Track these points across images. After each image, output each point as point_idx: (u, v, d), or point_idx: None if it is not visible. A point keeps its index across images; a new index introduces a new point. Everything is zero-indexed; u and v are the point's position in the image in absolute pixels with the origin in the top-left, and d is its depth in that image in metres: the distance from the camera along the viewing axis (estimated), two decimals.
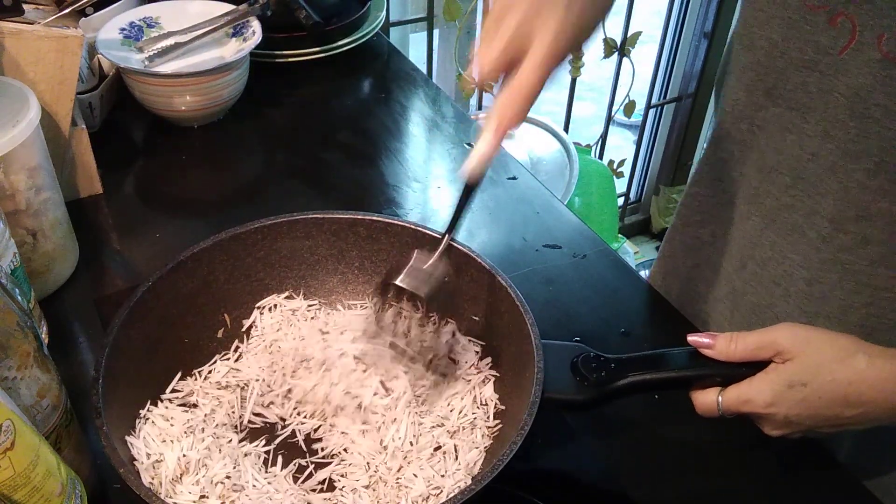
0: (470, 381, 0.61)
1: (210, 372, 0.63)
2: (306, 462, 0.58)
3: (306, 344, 0.63)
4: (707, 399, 0.54)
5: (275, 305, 0.67)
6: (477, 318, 0.64)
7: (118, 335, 0.55)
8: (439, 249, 0.57)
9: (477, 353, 0.64)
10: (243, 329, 0.66)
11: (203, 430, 0.57)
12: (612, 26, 1.90)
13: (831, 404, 0.51)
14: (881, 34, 0.53)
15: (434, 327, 0.59)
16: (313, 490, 0.56)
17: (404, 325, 0.58)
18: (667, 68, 2.06)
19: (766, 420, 0.54)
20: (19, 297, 0.48)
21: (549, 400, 0.53)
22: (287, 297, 0.68)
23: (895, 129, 0.55)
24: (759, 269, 0.70)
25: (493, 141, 0.51)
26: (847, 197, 0.60)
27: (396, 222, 0.66)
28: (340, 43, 1.10)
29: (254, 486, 0.54)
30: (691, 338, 0.55)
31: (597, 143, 2.12)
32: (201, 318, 0.64)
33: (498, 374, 0.62)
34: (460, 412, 0.59)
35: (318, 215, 0.66)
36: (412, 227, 0.65)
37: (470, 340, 0.64)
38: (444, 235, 0.57)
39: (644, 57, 2.01)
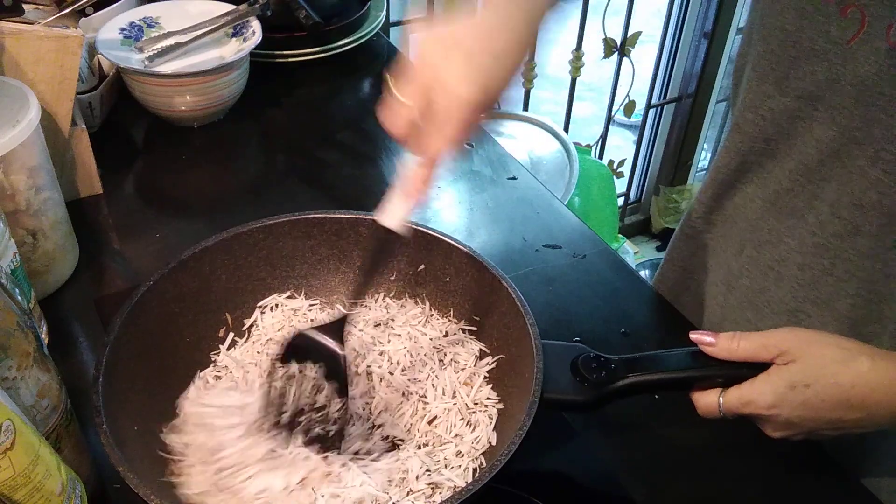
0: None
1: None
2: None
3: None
4: (708, 400, 0.54)
5: (276, 305, 0.67)
6: (478, 318, 0.64)
7: (120, 333, 0.55)
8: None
9: (476, 355, 0.64)
10: (244, 328, 0.66)
11: None
12: (612, 26, 1.90)
13: (833, 407, 0.51)
14: (890, 24, 0.54)
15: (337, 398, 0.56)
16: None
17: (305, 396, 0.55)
18: (667, 68, 2.06)
19: (768, 421, 0.53)
20: (19, 297, 0.48)
21: (549, 400, 0.53)
22: (288, 297, 0.68)
23: None
24: (756, 252, 0.70)
25: (422, 188, 0.52)
26: (849, 183, 0.61)
27: None
28: (340, 43, 1.10)
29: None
30: (693, 335, 0.55)
31: (597, 143, 2.12)
32: (203, 316, 0.64)
33: (497, 377, 0.62)
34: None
35: (320, 215, 0.66)
36: (413, 227, 0.65)
37: (471, 341, 0.64)
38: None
39: (644, 57, 2.01)
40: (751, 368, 0.53)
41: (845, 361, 0.51)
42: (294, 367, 0.56)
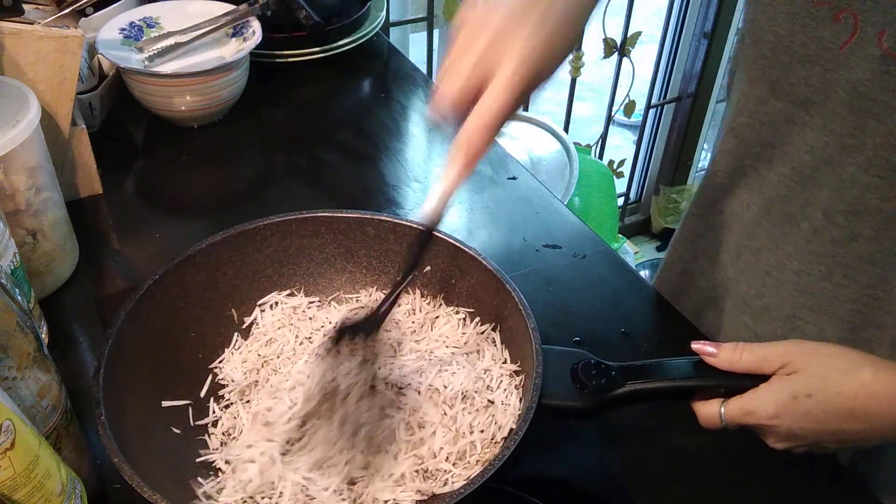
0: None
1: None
2: None
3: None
4: (710, 410, 0.53)
5: (276, 303, 0.67)
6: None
7: (123, 326, 0.55)
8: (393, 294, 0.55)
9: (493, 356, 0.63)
10: (244, 326, 0.66)
11: None
12: (612, 26, 1.90)
13: (836, 418, 0.50)
14: (882, 30, 0.54)
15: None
16: None
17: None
18: (667, 68, 2.06)
19: (770, 432, 0.53)
20: (19, 297, 0.48)
21: (547, 406, 0.52)
22: (288, 295, 0.68)
23: (891, 124, 0.56)
24: (754, 258, 0.70)
25: (459, 176, 0.48)
26: (841, 190, 0.61)
27: (405, 223, 0.66)
28: (340, 43, 1.10)
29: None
30: (695, 345, 0.54)
31: (597, 143, 2.12)
32: (208, 312, 0.63)
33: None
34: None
35: (328, 214, 0.66)
36: (420, 227, 0.65)
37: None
38: (399, 284, 0.54)
39: (644, 57, 2.01)
40: (753, 379, 0.52)
41: (848, 372, 0.50)
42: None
